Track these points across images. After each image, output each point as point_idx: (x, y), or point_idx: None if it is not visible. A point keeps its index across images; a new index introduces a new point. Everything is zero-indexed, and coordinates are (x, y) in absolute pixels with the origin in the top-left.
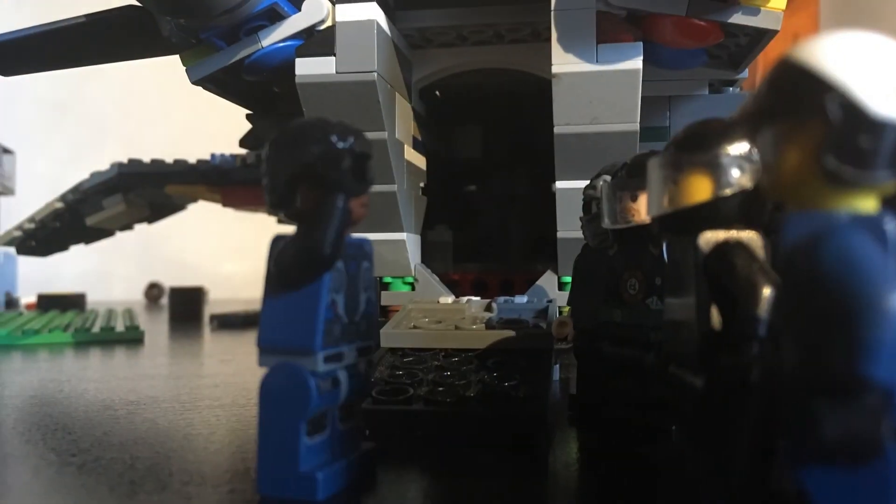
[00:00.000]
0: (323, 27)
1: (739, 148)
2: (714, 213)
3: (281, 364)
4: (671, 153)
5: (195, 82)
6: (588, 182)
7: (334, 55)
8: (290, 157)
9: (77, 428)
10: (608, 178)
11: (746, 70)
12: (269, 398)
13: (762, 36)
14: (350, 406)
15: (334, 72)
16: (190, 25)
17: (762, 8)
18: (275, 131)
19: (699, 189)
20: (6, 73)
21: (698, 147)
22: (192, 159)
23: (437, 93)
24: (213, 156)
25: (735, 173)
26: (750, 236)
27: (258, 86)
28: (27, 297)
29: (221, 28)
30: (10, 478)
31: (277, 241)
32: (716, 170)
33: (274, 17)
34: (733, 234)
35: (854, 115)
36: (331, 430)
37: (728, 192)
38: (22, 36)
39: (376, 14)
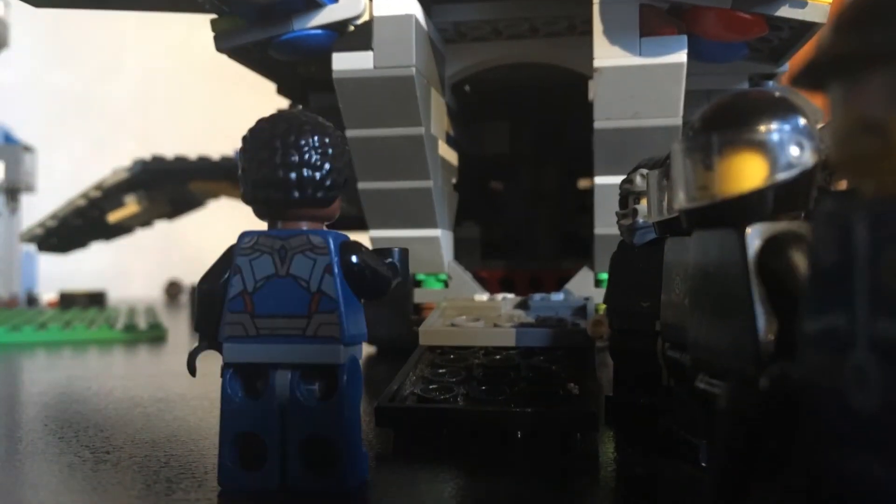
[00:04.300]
0: (360, 22)
1: (795, 120)
2: (762, 201)
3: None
4: (703, 133)
5: (221, 50)
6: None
7: (372, 50)
8: (253, 158)
9: (109, 425)
10: (644, 171)
11: (787, 64)
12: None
13: (807, 29)
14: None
15: (372, 67)
16: None
17: (809, 1)
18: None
19: (748, 174)
20: (39, 5)
21: (742, 122)
22: (215, 156)
23: (467, 87)
24: (236, 152)
25: (794, 151)
26: (801, 227)
27: (285, 63)
28: (47, 295)
29: (256, 4)
30: (47, 475)
31: (244, 236)
32: (770, 148)
33: (310, 3)
34: (786, 225)
35: None
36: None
37: (787, 175)
38: None
39: (414, 8)
